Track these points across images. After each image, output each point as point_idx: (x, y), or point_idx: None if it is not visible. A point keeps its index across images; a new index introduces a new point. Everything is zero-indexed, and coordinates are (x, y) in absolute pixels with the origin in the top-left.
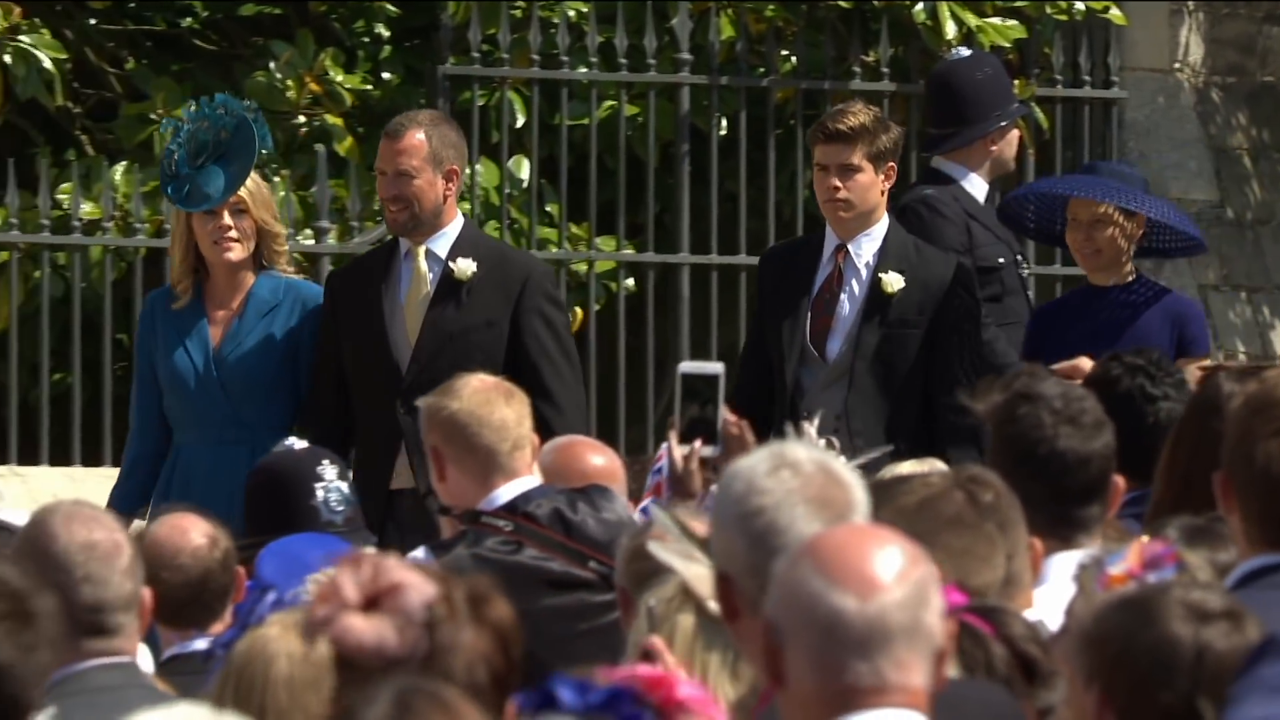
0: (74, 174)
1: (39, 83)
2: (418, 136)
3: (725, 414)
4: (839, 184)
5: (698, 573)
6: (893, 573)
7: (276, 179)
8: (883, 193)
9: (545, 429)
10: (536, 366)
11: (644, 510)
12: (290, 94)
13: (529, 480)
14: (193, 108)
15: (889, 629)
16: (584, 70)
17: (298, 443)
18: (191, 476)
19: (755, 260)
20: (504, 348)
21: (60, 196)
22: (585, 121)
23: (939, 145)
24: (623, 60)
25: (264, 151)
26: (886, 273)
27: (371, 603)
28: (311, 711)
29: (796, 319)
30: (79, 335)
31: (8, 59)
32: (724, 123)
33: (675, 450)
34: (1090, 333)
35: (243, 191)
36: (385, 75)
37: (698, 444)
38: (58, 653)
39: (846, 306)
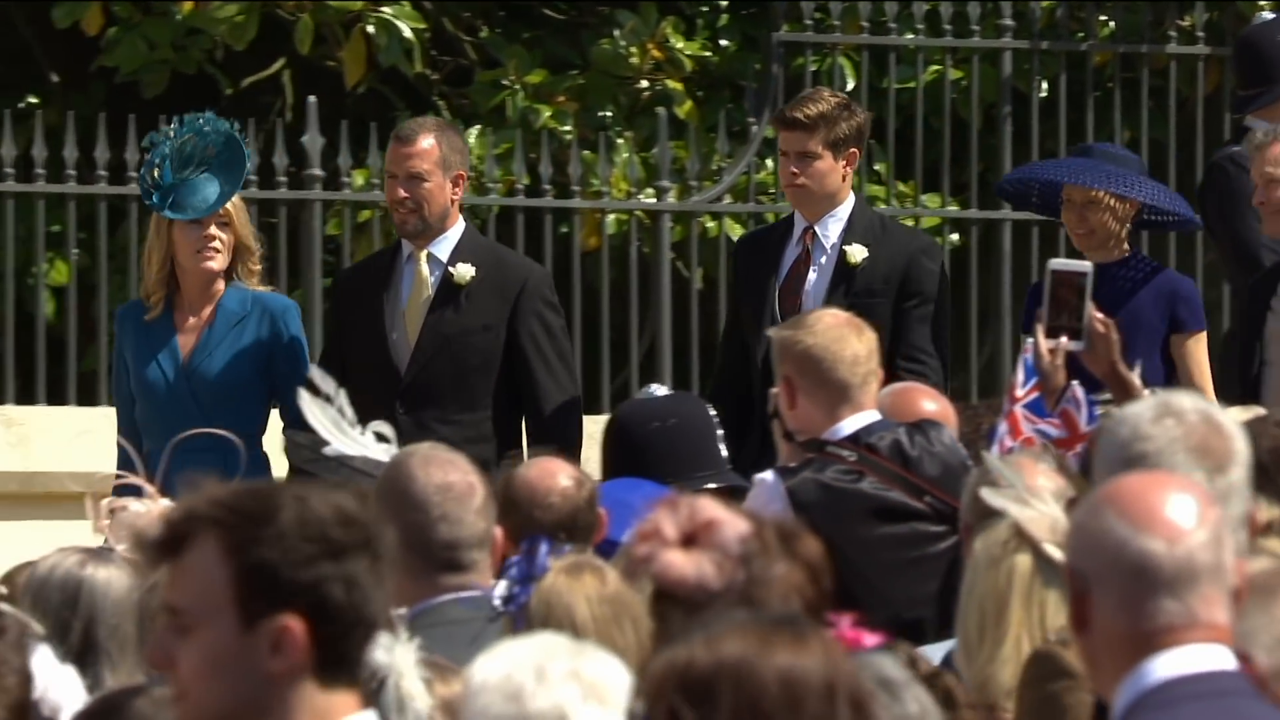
0: None
1: (399, 51)
2: (428, 141)
3: (1091, 310)
4: (797, 170)
5: (1031, 516)
6: (1194, 516)
7: (620, 140)
8: (844, 177)
9: (539, 428)
10: (531, 369)
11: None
12: (634, 60)
13: (871, 414)
14: (176, 124)
15: (1196, 569)
16: (911, 36)
17: (660, 389)
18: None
19: None
20: (501, 350)
21: None
22: (912, 85)
23: (1247, 105)
24: (947, 26)
25: (249, 171)
26: (851, 245)
27: (689, 540)
28: (619, 645)
29: (765, 299)
30: None
31: (371, 29)
32: (1044, 85)
33: (1041, 344)
34: None
35: (229, 206)
36: (723, 42)
37: (1063, 339)
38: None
39: (815, 283)
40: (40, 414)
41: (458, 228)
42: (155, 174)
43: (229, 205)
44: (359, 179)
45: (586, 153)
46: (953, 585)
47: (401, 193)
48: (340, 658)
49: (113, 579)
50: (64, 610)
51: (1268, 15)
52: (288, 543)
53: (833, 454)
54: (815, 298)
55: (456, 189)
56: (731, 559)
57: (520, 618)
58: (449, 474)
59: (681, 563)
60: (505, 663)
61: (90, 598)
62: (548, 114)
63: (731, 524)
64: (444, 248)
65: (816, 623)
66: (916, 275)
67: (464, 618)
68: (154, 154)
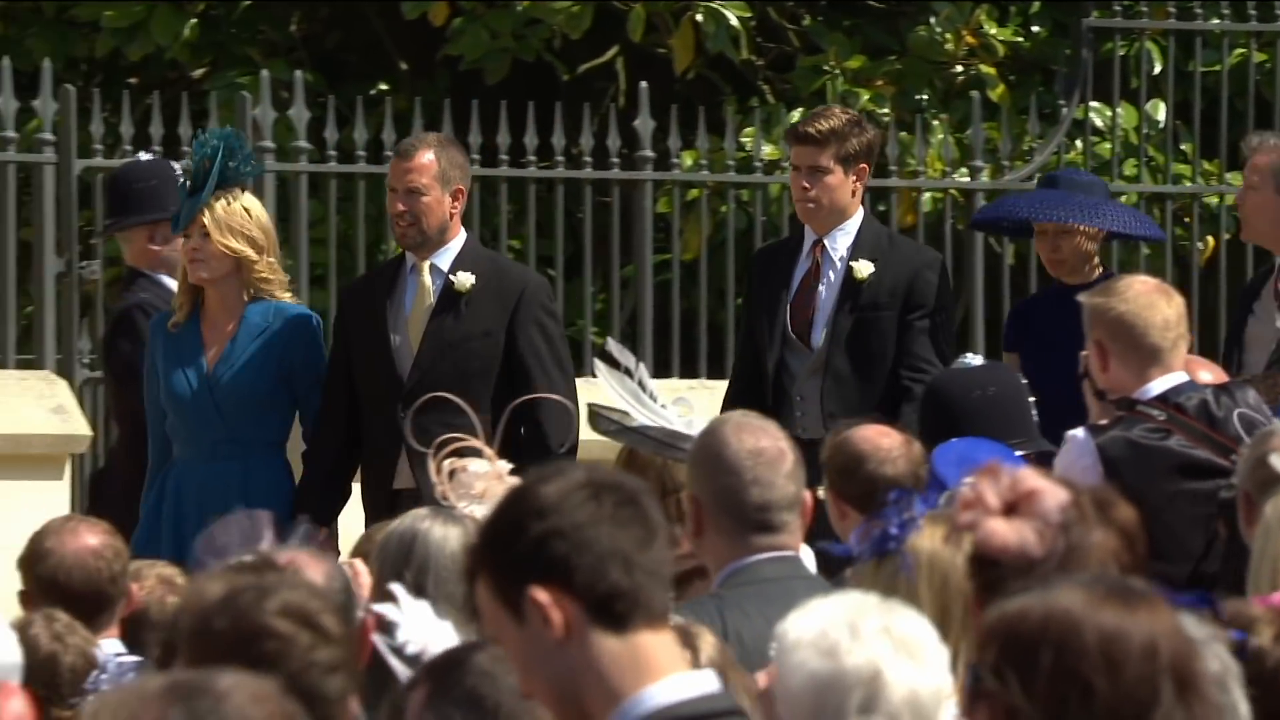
0: (756, 119)
1: (726, 39)
2: (427, 157)
3: None
4: (808, 185)
5: None
6: None
7: (936, 122)
8: (854, 192)
9: (537, 432)
10: (529, 373)
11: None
12: (948, 46)
13: (1180, 375)
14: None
15: None
16: (1216, 21)
17: (975, 359)
18: (183, 490)
19: None
20: (500, 355)
21: (744, 140)
22: (1217, 68)
23: None
24: (1252, 11)
25: (229, 180)
26: (857, 261)
27: (1011, 508)
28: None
29: (777, 310)
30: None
31: (699, 18)
32: None
33: None
34: (1061, 331)
35: (207, 218)
36: (1034, 28)
37: None
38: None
39: (824, 296)
40: None
41: (459, 239)
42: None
43: (207, 218)
44: (688, 160)
45: (903, 134)
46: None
47: (400, 206)
48: (605, 602)
49: (449, 536)
50: (399, 561)
51: None
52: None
53: (1142, 413)
54: (824, 311)
55: (456, 203)
56: (1052, 527)
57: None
58: (760, 440)
59: (1004, 531)
60: (819, 619)
61: (424, 551)
62: (866, 97)
63: (1051, 493)
64: (445, 258)
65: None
66: (920, 289)
67: (776, 576)
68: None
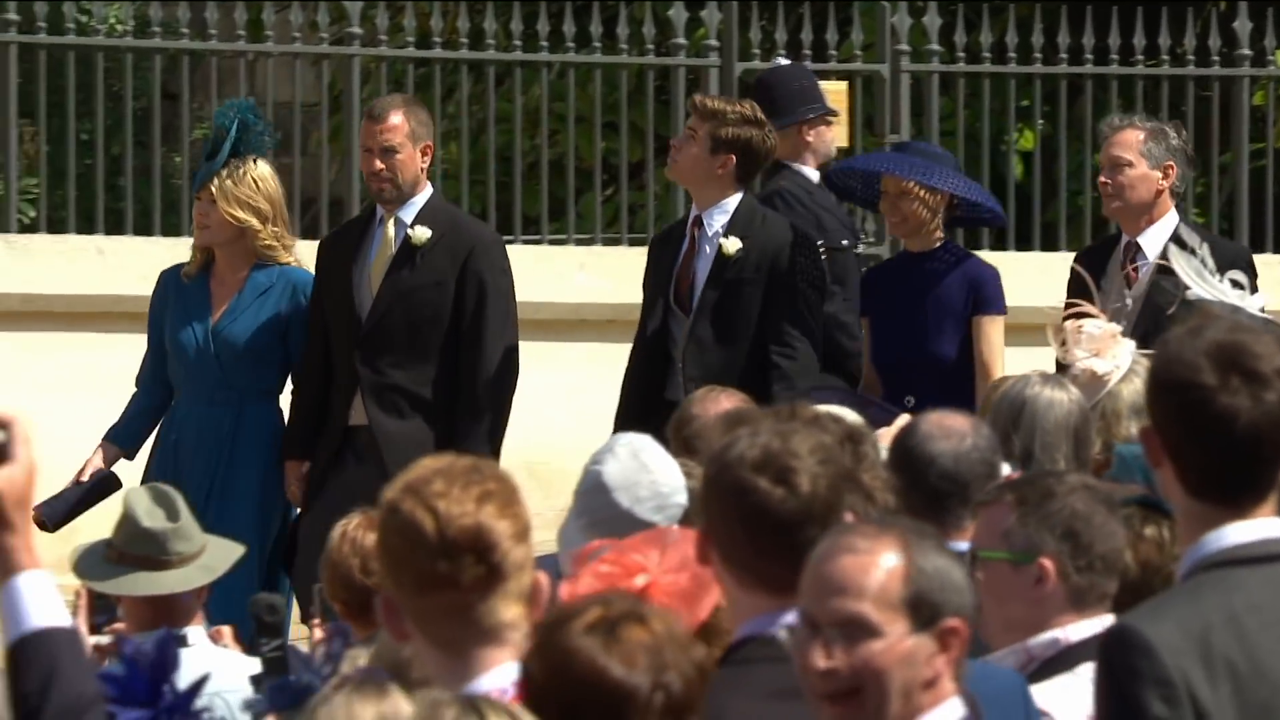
0: None
1: None
2: (397, 118)
3: None
4: (676, 146)
5: None
6: None
7: None
8: (718, 174)
9: (473, 378)
10: (473, 324)
11: None
12: None
13: None
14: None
15: None
16: None
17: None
18: (183, 431)
19: None
20: (450, 305)
21: None
22: None
23: None
24: None
25: (239, 151)
26: (728, 238)
27: None
28: None
29: (666, 282)
30: None
31: None
32: None
33: None
34: (906, 295)
35: (215, 186)
36: None
37: None
38: None
39: (698, 270)
40: None
41: (424, 194)
42: (198, 160)
43: (214, 185)
44: None
45: None
46: None
47: (378, 164)
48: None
49: (1054, 401)
50: (1008, 424)
51: None
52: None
53: None
54: (698, 284)
55: (425, 158)
56: None
57: None
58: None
59: None
60: None
61: (1031, 415)
62: None
63: None
64: (409, 212)
65: None
66: (784, 265)
67: None
68: (205, 145)
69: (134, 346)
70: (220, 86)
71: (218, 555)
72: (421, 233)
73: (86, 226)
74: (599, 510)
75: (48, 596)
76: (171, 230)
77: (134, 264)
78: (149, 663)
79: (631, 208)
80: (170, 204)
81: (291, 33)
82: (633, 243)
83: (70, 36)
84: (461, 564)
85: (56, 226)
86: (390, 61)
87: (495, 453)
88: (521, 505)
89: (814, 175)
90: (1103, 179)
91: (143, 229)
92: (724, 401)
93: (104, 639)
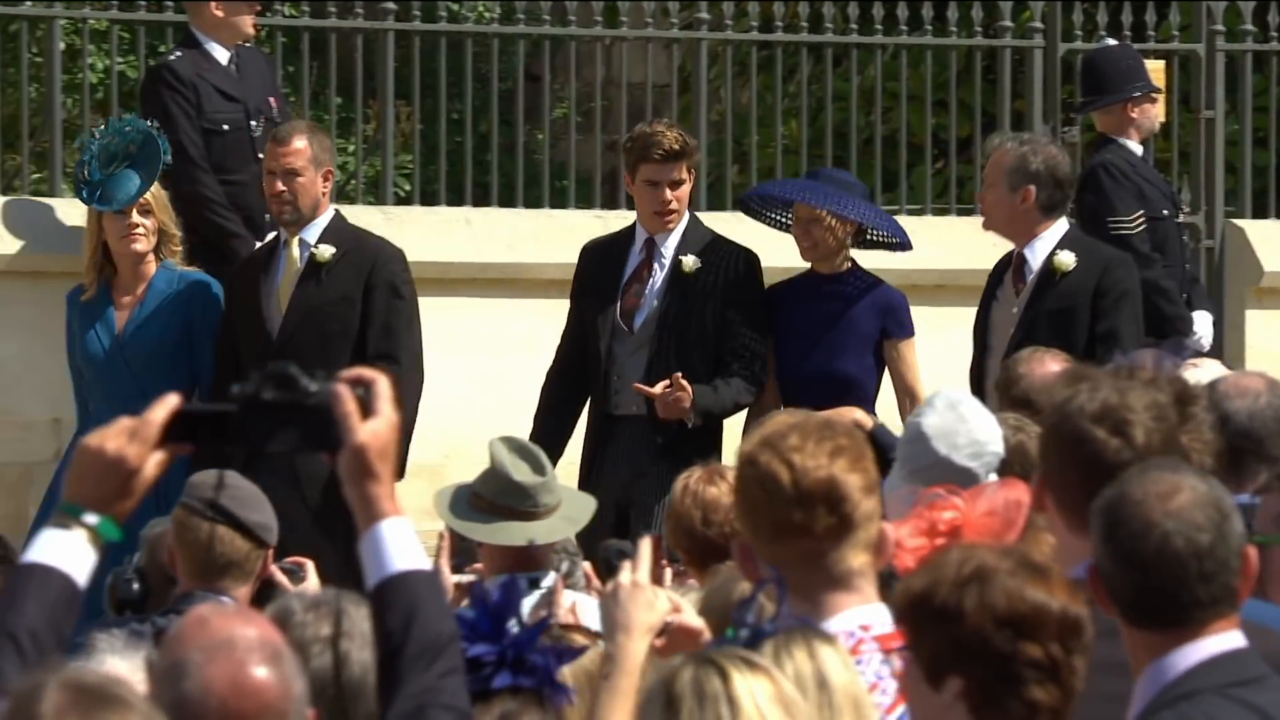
0: None
1: None
2: (301, 142)
3: None
4: (669, 196)
5: None
6: None
7: None
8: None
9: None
10: (380, 333)
11: None
12: None
13: None
14: (103, 125)
15: None
16: None
17: None
18: None
19: None
20: (357, 318)
21: None
22: None
23: None
24: None
25: (166, 162)
26: (686, 255)
27: None
28: None
29: (608, 299)
30: None
31: None
32: None
33: None
34: (814, 314)
35: (149, 195)
36: None
37: None
38: None
39: (652, 287)
40: None
41: (326, 215)
42: (85, 172)
43: (149, 195)
44: None
45: None
46: None
47: (279, 186)
48: None
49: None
50: None
51: None
52: None
53: None
54: (651, 299)
55: (326, 182)
56: None
57: None
58: None
59: None
60: None
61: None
62: None
63: None
64: (313, 233)
65: None
66: (738, 283)
67: None
68: (84, 154)
69: (500, 310)
70: (578, 69)
71: (576, 507)
72: (325, 250)
73: (456, 199)
74: (919, 458)
75: (409, 541)
76: (534, 202)
77: (499, 233)
78: (494, 604)
79: (960, 180)
80: (532, 177)
81: (644, 18)
82: (961, 213)
83: (442, 24)
84: (815, 514)
85: (429, 199)
86: (735, 44)
87: (402, 454)
88: (869, 460)
89: (1138, 149)
90: None
91: (507, 201)
92: (1049, 362)
93: (465, 578)
